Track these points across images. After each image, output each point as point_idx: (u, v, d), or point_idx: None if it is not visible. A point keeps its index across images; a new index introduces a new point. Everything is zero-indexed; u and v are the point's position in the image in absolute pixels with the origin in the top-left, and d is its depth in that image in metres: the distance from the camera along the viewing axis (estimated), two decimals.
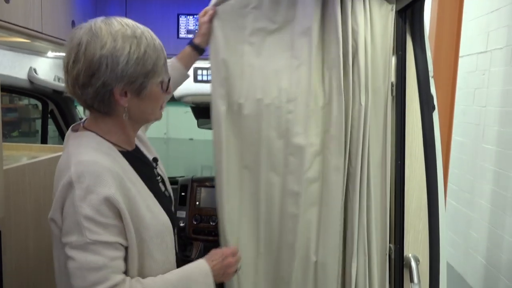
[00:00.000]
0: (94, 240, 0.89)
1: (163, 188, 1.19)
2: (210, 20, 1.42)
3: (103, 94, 0.96)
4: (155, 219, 1.01)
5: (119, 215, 0.92)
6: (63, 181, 0.91)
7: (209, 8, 1.43)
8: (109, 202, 0.90)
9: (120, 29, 0.96)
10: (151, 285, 0.97)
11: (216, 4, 1.43)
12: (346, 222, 1.42)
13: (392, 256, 1.41)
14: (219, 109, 1.44)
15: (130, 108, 1.00)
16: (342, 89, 1.36)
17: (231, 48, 1.44)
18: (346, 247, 1.43)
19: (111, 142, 1.02)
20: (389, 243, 1.43)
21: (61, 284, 1.00)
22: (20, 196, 1.11)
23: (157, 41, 1.03)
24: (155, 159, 1.23)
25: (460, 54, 3.19)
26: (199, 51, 1.45)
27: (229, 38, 1.44)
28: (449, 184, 3.64)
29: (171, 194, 1.26)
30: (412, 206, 1.40)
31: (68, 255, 0.90)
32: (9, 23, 1.15)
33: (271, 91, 1.43)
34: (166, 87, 1.07)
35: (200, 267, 1.08)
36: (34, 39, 1.38)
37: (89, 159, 0.93)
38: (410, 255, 1.37)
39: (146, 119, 1.09)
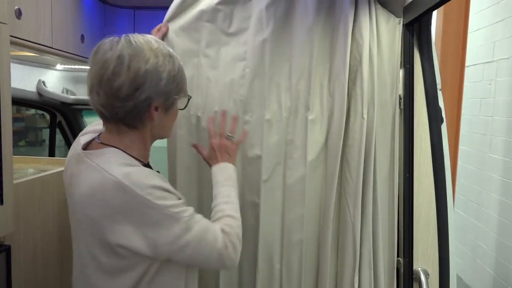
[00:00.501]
0: (188, 216, 0.98)
1: None
2: (163, 37, 1.44)
3: (141, 107, 0.97)
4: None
5: (175, 195, 0.99)
6: (123, 200, 0.91)
7: (162, 24, 1.45)
8: (164, 189, 0.96)
9: (158, 47, 0.99)
10: (228, 208, 1.11)
11: (168, 20, 1.46)
12: (345, 234, 1.42)
13: (401, 270, 1.40)
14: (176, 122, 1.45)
15: (156, 123, 1.03)
16: (345, 102, 1.37)
17: (187, 61, 1.45)
18: (345, 260, 1.42)
19: (133, 156, 1.02)
20: (398, 256, 1.42)
21: None
22: (29, 210, 1.11)
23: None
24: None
25: (466, 64, 3.18)
26: None
27: (185, 52, 1.45)
28: (456, 194, 3.62)
29: None
30: (421, 219, 1.39)
31: (182, 245, 0.96)
32: (20, 38, 1.16)
33: (228, 103, 1.45)
34: (185, 106, 1.09)
35: (222, 166, 1.23)
36: (44, 53, 1.39)
37: (132, 170, 0.95)
38: (419, 268, 1.36)
39: (164, 135, 1.11)
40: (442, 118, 1.39)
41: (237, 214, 1.12)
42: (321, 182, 1.46)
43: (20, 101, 2.10)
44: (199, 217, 1.02)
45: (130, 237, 0.92)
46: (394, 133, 1.38)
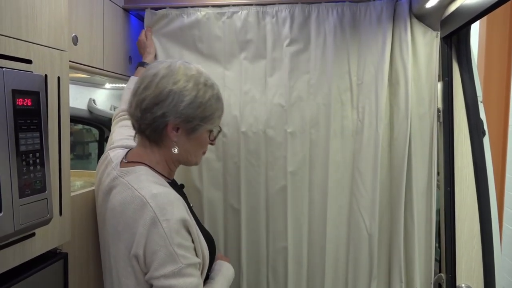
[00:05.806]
0: (187, 264, 0.97)
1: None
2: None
3: (158, 123, 1.05)
4: (201, 245, 1.07)
5: (191, 237, 1.01)
6: (143, 217, 0.97)
7: (146, 29, 1.59)
8: (185, 224, 0.99)
9: (194, 75, 1.07)
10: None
11: (150, 25, 1.59)
12: (360, 246, 1.49)
13: (444, 286, 1.37)
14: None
15: (177, 144, 1.08)
16: (383, 115, 1.38)
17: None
18: (359, 271, 1.50)
19: (159, 173, 1.10)
20: (440, 272, 1.39)
21: None
22: (83, 221, 1.19)
23: (221, 95, 1.12)
24: (182, 186, 1.27)
25: None
26: None
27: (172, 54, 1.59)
28: (505, 208, 3.45)
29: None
30: (464, 234, 1.36)
31: (166, 285, 0.95)
32: (76, 63, 1.27)
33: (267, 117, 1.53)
34: (214, 138, 1.15)
35: (227, 266, 1.22)
36: (96, 75, 1.50)
37: (161, 191, 1.01)
38: (463, 285, 1.33)
39: (187, 159, 1.13)
40: (484, 130, 1.36)
41: None
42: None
43: (73, 119, 2.25)
44: (198, 272, 1.01)
45: (141, 248, 0.96)
46: (432, 147, 1.37)
